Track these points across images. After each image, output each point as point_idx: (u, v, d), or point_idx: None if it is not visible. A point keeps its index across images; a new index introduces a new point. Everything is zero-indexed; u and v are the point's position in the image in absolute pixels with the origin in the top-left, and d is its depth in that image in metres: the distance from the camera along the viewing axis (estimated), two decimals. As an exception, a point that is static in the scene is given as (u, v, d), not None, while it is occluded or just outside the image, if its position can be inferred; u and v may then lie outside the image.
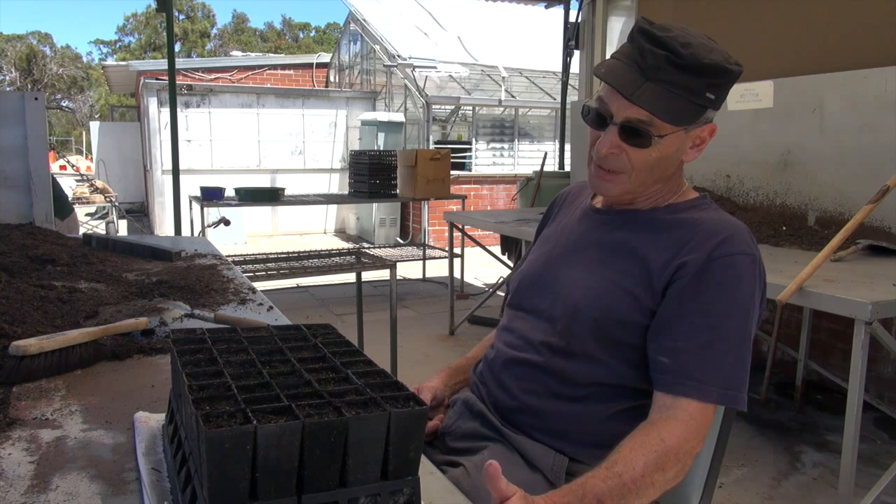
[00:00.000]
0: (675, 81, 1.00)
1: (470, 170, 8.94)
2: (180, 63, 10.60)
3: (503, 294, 4.86)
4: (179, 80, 8.48)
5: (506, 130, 9.20)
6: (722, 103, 1.07)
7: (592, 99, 1.10)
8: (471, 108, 8.91)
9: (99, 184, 7.27)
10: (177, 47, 22.03)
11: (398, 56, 9.01)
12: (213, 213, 5.83)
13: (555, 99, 8.94)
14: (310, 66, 11.99)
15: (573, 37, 5.46)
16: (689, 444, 0.96)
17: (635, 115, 1.02)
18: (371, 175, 5.47)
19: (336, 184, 9.83)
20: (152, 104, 8.83)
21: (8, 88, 24.88)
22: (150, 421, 0.92)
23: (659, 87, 1.00)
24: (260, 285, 2.01)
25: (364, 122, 9.07)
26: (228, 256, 2.51)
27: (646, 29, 1.03)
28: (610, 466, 0.92)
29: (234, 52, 19.28)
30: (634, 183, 1.08)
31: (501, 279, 5.22)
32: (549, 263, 1.19)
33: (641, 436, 0.96)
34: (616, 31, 5.11)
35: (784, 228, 3.12)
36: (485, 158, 9.10)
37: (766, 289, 1.07)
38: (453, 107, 8.93)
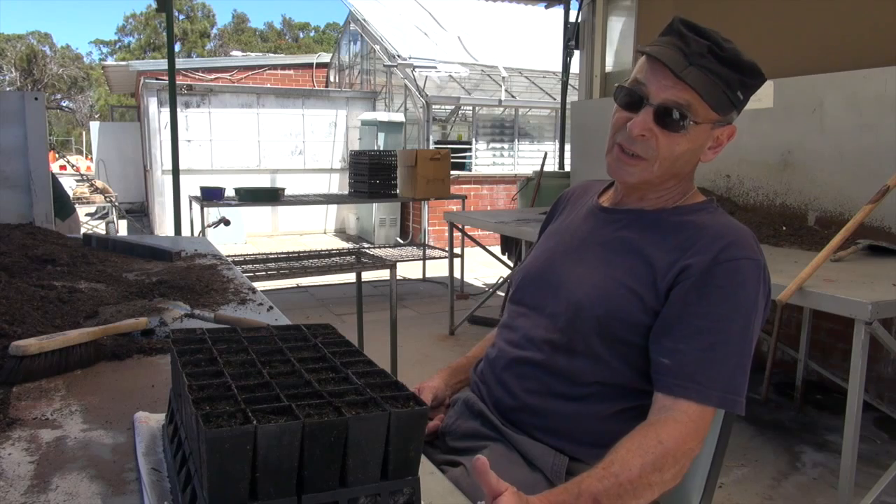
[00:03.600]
0: (716, 71, 1.02)
1: (470, 170, 8.94)
2: (180, 63, 10.60)
3: (503, 294, 4.87)
4: (179, 80, 8.48)
5: (506, 130, 9.20)
6: (743, 108, 1.08)
7: (626, 81, 1.09)
8: (471, 108, 8.91)
9: (99, 184, 7.26)
10: (177, 47, 22.02)
11: (398, 56, 9.01)
12: (213, 213, 5.83)
13: (555, 99, 8.94)
14: (310, 66, 11.99)
15: (573, 37, 5.47)
16: (686, 445, 0.96)
17: (674, 97, 1.02)
18: (371, 175, 5.47)
19: (336, 184, 9.83)
20: (152, 104, 8.83)
21: (8, 88, 24.87)
22: (150, 421, 0.92)
23: (702, 72, 1.02)
24: (260, 285, 2.01)
25: (364, 122, 9.07)
26: (228, 256, 2.51)
27: (687, 21, 1.06)
28: (606, 467, 0.92)
29: (234, 52, 19.29)
30: (656, 172, 1.08)
31: (501, 279, 5.22)
32: (552, 260, 1.19)
33: (639, 437, 0.96)
34: (616, 31, 5.11)
35: (784, 228, 3.12)
36: (485, 158, 9.09)
37: (770, 294, 1.07)
38: (453, 107, 8.93)
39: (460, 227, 4.70)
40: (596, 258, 1.13)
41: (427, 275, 6.30)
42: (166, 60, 5.05)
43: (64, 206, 3.79)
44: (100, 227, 6.61)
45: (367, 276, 4.13)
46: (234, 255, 3.29)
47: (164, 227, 8.72)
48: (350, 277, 4.03)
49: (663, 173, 1.08)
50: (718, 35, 1.03)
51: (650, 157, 1.06)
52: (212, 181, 6.81)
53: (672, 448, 0.94)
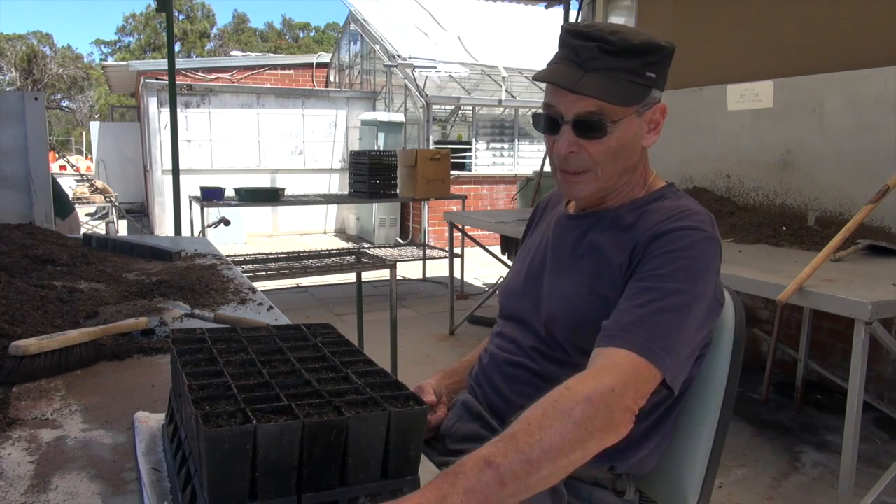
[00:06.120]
0: (613, 66, 1.02)
1: (470, 170, 8.94)
2: (180, 63, 10.60)
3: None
4: (179, 80, 8.48)
5: (506, 130, 9.20)
6: (665, 82, 1.09)
7: (540, 107, 1.11)
8: (471, 108, 8.91)
9: (99, 184, 7.27)
10: (177, 47, 22.02)
11: (398, 56, 9.01)
12: (213, 213, 5.83)
13: (555, 99, 8.93)
14: (310, 66, 12.00)
15: (573, 37, 5.46)
16: (608, 390, 0.87)
17: (584, 107, 1.03)
18: (371, 175, 5.47)
19: (336, 184, 9.83)
20: (152, 104, 8.83)
21: (8, 88, 24.86)
22: (150, 421, 0.92)
23: (599, 75, 1.02)
24: (260, 285, 2.01)
25: (364, 122, 9.07)
26: (228, 256, 2.51)
27: (571, 28, 1.07)
28: (506, 430, 0.83)
29: (234, 52, 19.28)
30: (602, 178, 1.08)
31: (501, 279, 5.22)
32: (528, 274, 1.21)
33: (549, 392, 0.89)
34: (616, 31, 5.10)
35: (784, 228, 3.12)
36: (485, 158, 9.10)
37: (720, 270, 1.05)
38: (453, 107, 8.93)
39: (460, 227, 4.71)
40: (564, 266, 1.14)
41: (427, 275, 6.30)
42: (166, 60, 5.05)
43: (63, 205, 3.79)
44: (100, 227, 6.62)
45: (367, 276, 4.13)
46: (234, 255, 3.29)
47: (164, 227, 8.72)
48: (350, 277, 4.03)
49: (609, 175, 1.09)
50: (604, 31, 1.03)
51: (589, 166, 1.07)
52: (212, 181, 6.81)
53: (583, 393, 0.86)
